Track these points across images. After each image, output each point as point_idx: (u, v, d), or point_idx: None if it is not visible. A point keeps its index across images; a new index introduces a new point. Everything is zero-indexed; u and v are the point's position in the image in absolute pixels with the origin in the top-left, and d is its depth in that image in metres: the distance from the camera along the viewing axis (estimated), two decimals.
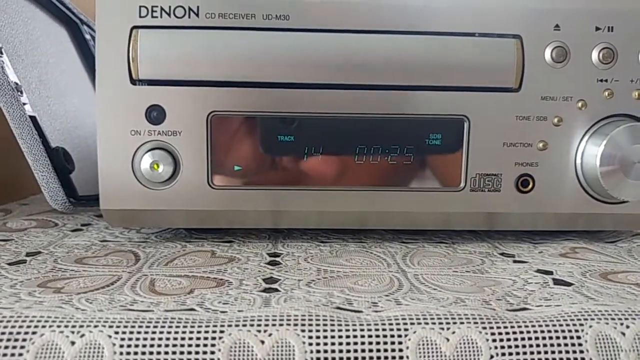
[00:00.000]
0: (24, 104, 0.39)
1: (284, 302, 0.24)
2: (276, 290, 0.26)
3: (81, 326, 0.22)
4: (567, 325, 0.22)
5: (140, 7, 0.32)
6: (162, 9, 0.32)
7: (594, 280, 0.28)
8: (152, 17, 0.32)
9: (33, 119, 0.39)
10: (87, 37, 0.57)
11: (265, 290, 0.26)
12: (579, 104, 0.33)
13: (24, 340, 0.22)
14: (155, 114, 0.32)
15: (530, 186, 0.34)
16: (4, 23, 0.42)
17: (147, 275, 0.29)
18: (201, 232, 0.38)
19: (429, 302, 0.25)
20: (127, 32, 0.32)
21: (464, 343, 0.22)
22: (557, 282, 0.27)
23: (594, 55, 0.33)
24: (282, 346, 0.22)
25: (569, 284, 0.27)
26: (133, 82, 0.32)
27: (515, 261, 0.32)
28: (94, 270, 0.30)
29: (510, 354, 0.22)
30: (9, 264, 0.30)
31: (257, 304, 0.24)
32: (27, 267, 0.30)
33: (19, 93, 0.40)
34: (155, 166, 0.32)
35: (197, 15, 0.32)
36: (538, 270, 0.30)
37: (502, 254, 0.34)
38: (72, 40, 0.57)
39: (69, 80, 0.51)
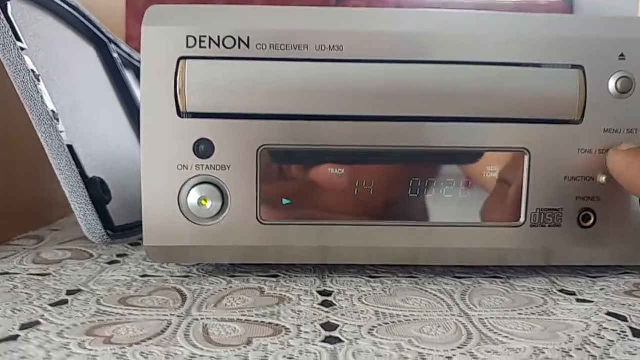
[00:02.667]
0: (61, 132, 0.38)
1: (352, 357, 0.23)
2: (339, 340, 0.25)
3: None
4: None
5: (188, 37, 0.31)
6: (210, 39, 0.31)
7: None
8: (201, 47, 0.31)
9: (70, 147, 0.38)
10: (115, 55, 0.56)
11: (327, 340, 0.25)
12: None
13: None
14: (203, 148, 0.31)
15: (592, 221, 0.33)
16: (39, 48, 0.41)
17: (197, 319, 0.28)
18: (244, 265, 0.37)
19: (506, 355, 0.23)
20: (175, 63, 0.31)
21: None
22: (636, 333, 0.26)
23: None
24: None
25: None
26: (180, 114, 0.31)
27: (578, 300, 0.31)
28: (141, 313, 0.28)
29: None
30: (52, 305, 0.29)
31: (325, 359, 0.23)
32: (70, 309, 0.28)
33: (56, 121, 0.39)
34: (204, 202, 0.31)
35: (248, 46, 0.31)
36: (609, 314, 0.29)
37: (561, 290, 0.33)
38: (101, 60, 0.56)
39: (99, 102, 0.50)
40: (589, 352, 0.24)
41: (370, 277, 0.35)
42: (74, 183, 0.36)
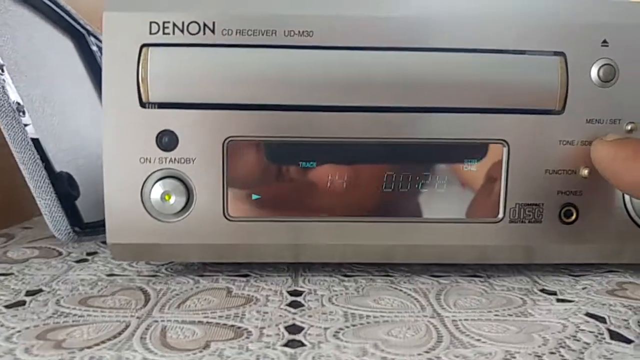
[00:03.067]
0: (26, 125, 0.37)
1: None
2: (301, 344, 0.24)
3: None
4: None
5: (150, 23, 0.29)
6: (174, 25, 0.29)
7: None
8: (164, 33, 0.29)
9: (35, 141, 0.36)
10: (94, 48, 0.55)
11: (289, 344, 0.24)
12: (629, 127, 0.31)
13: None
14: (166, 140, 0.30)
15: (574, 217, 0.31)
16: (6, 38, 0.40)
17: (157, 321, 0.26)
18: (215, 264, 0.35)
19: (475, 359, 0.22)
20: (137, 50, 0.29)
21: None
22: (614, 336, 0.24)
23: None
24: None
25: (629, 341, 0.24)
26: (143, 105, 0.30)
27: (559, 300, 0.29)
28: (100, 314, 0.27)
29: None
30: (7, 307, 0.28)
31: None
32: (26, 312, 0.27)
33: (21, 114, 0.37)
34: (167, 197, 0.30)
35: (213, 31, 0.29)
36: (588, 314, 0.27)
37: (542, 290, 0.31)
38: (78, 52, 0.54)
39: (74, 95, 0.49)
40: (562, 355, 0.22)
41: (345, 275, 0.34)
42: (39, 178, 0.35)
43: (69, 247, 0.40)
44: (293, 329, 0.25)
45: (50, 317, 0.27)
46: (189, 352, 0.23)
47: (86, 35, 0.54)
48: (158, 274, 0.34)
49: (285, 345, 0.23)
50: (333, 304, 0.29)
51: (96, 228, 0.39)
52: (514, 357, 0.22)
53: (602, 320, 0.26)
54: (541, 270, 0.35)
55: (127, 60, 0.29)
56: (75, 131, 0.45)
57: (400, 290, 0.31)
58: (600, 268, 0.35)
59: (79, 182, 0.39)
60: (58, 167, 0.37)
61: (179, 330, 0.25)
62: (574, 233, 0.31)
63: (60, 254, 0.38)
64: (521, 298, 0.30)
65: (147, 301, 0.29)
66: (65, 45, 0.52)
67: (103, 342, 0.24)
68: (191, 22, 0.29)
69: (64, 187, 0.36)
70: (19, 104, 0.37)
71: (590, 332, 0.25)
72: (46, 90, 0.43)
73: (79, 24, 0.53)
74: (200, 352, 0.23)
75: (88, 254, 0.38)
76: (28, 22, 0.44)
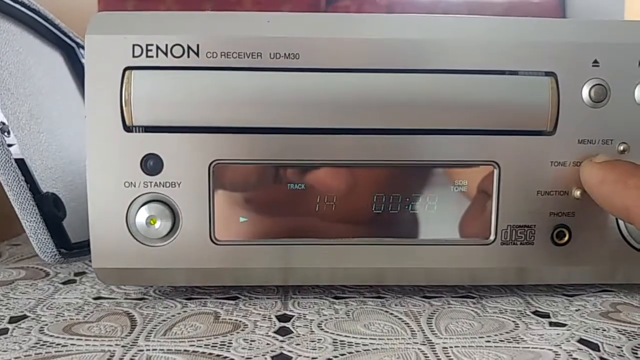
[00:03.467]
0: (10, 145, 0.36)
1: None
2: None
3: None
4: None
5: (134, 45, 0.29)
6: (158, 47, 0.29)
7: None
8: (147, 56, 0.29)
9: (20, 162, 0.36)
10: (84, 61, 0.54)
11: None
12: (621, 148, 0.30)
13: None
14: (151, 164, 0.29)
15: (567, 238, 0.31)
16: None
17: (142, 350, 0.26)
18: (203, 286, 0.35)
19: None
20: (120, 73, 0.29)
21: None
22: None
23: (637, 93, 0.30)
24: None
25: None
26: (127, 128, 0.29)
27: (552, 324, 0.29)
28: (84, 343, 0.27)
29: None
30: None
31: None
32: (7, 341, 0.27)
33: (6, 134, 0.37)
34: (153, 221, 0.29)
35: (197, 54, 0.29)
36: (581, 341, 0.27)
37: (535, 312, 0.31)
38: (68, 65, 0.54)
39: (63, 110, 0.48)
40: None
41: (336, 297, 0.33)
42: (23, 200, 0.34)
43: (56, 267, 0.39)
44: (280, 358, 0.25)
45: (33, 347, 0.26)
46: None
47: (76, 48, 0.54)
48: (146, 296, 0.33)
49: None
50: (322, 330, 0.28)
51: (84, 248, 0.38)
52: None
53: (595, 347, 0.26)
54: (534, 290, 0.34)
55: (110, 84, 0.29)
56: (63, 147, 0.45)
57: (392, 313, 0.31)
58: (594, 287, 0.35)
59: (66, 200, 0.38)
60: (44, 187, 0.37)
61: None
62: (566, 254, 0.31)
63: (47, 274, 0.38)
64: (514, 321, 0.29)
65: (133, 328, 0.29)
66: (54, 59, 0.52)
67: None
68: (175, 45, 0.29)
69: (50, 208, 0.35)
70: (3, 123, 0.37)
71: None
72: (33, 106, 0.43)
73: (68, 37, 0.53)
74: None
75: (76, 274, 0.38)
76: (15, 37, 0.44)
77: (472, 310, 0.31)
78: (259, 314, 0.30)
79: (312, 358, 0.25)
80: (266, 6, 1.95)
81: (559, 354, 0.25)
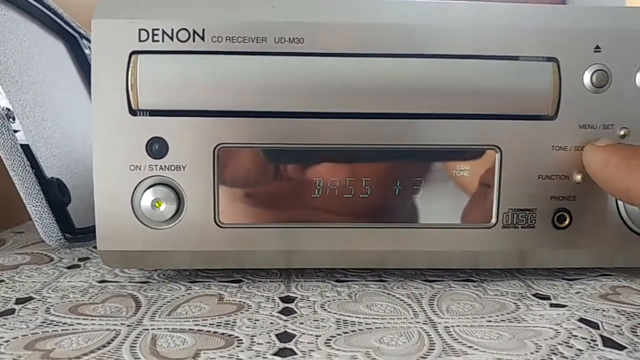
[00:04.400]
0: (16, 131, 0.36)
1: None
2: (292, 352, 0.23)
3: None
4: None
5: (140, 30, 0.29)
6: (163, 32, 0.29)
7: None
8: (153, 41, 0.29)
9: (26, 147, 0.36)
10: (87, 51, 0.55)
11: (279, 353, 0.23)
12: (622, 132, 0.30)
13: None
14: (156, 147, 0.30)
15: (567, 222, 0.31)
16: None
17: (148, 329, 0.26)
18: (207, 269, 0.35)
19: None
20: (126, 57, 0.29)
21: None
22: (606, 342, 0.24)
23: (638, 79, 0.30)
24: None
25: (621, 347, 0.24)
26: (132, 112, 0.29)
27: (552, 305, 0.29)
28: (90, 323, 0.27)
29: None
30: None
31: None
32: (14, 320, 0.27)
33: (11, 120, 0.37)
34: (157, 204, 0.30)
35: (203, 38, 0.29)
36: (581, 320, 0.27)
37: (536, 295, 0.31)
38: (71, 55, 0.54)
39: (66, 99, 0.49)
40: None
41: (338, 280, 0.33)
42: (29, 184, 0.35)
43: (60, 252, 0.39)
44: (284, 336, 0.25)
45: (40, 325, 0.26)
46: None
47: (79, 38, 0.54)
48: (150, 280, 0.34)
49: (276, 354, 0.23)
50: (325, 310, 0.29)
51: (88, 234, 0.39)
52: None
53: (595, 326, 0.26)
54: (535, 274, 0.35)
55: (116, 68, 0.29)
56: (67, 135, 0.45)
57: (394, 295, 0.31)
58: (594, 271, 0.35)
59: (71, 187, 0.39)
60: (49, 173, 0.37)
61: (169, 339, 0.25)
62: (567, 238, 0.31)
63: (51, 259, 0.38)
64: (514, 303, 0.30)
65: (138, 308, 0.29)
66: (58, 48, 0.52)
67: (92, 351, 0.24)
68: (181, 29, 0.29)
69: (55, 193, 0.36)
70: (8, 110, 0.37)
71: (583, 338, 0.25)
72: (38, 94, 0.43)
73: (71, 27, 0.53)
74: None
75: (80, 259, 0.38)
76: (19, 26, 0.44)
77: (474, 293, 0.31)
78: (263, 295, 0.31)
79: (316, 336, 0.25)
80: None
81: (560, 332, 0.26)
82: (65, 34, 0.52)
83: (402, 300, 0.30)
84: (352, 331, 0.26)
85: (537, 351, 0.24)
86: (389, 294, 0.31)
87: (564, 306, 0.29)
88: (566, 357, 0.23)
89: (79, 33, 0.54)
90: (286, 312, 0.28)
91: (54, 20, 0.49)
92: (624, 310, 0.28)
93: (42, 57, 0.47)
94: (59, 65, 0.51)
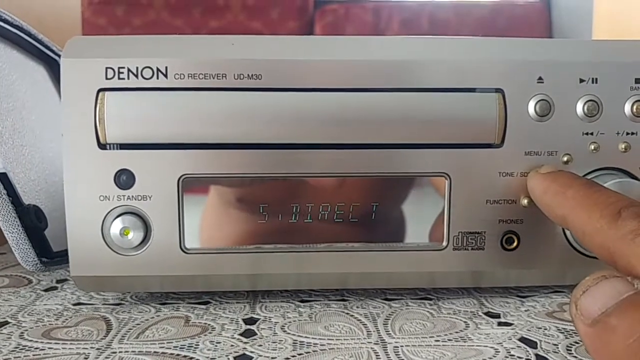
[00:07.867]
0: None
1: None
2: None
3: None
4: None
5: (106, 68, 0.31)
6: (129, 70, 0.31)
7: (579, 358, 0.27)
8: (119, 78, 0.31)
9: (3, 175, 0.38)
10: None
11: None
12: (565, 159, 0.32)
13: None
14: (124, 179, 0.31)
15: (516, 244, 0.33)
16: None
17: (115, 352, 0.28)
18: (177, 292, 0.37)
19: None
20: (94, 94, 0.31)
21: None
22: None
23: (579, 108, 0.32)
24: None
25: None
26: (101, 146, 0.31)
27: (500, 324, 0.31)
28: (61, 347, 0.28)
29: None
30: None
31: None
32: None
33: None
34: (126, 232, 0.31)
35: (166, 76, 0.31)
36: (522, 339, 0.29)
37: (487, 313, 0.33)
38: (51, 77, 0.55)
39: (47, 122, 0.50)
40: None
41: (302, 301, 0.35)
42: (6, 212, 0.36)
43: (39, 275, 0.41)
44: (242, 359, 0.27)
45: (12, 351, 0.28)
46: None
47: (59, 60, 0.56)
48: (123, 302, 0.35)
49: None
50: (285, 332, 0.30)
51: (65, 256, 0.40)
52: None
53: (533, 345, 0.28)
54: (491, 292, 0.36)
55: (85, 104, 0.31)
56: (47, 159, 0.47)
57: (352, 315, 0.33)
58: (547, 288, 0.37)
59: (49, 210, 0.40)
60: (26, 199, 0.38)
61: None
62: (516, 259, 0.33)
63: (30, 282, 0.39)
64: (465, 322, 0.32)
65: (108, 331, 0.30)
66: (38, 72, 0.54)
67: None
68: (145, 67, 0.31)
69: (32, 220, 0.37)
70: None
71: (519, 357, 0.27)
72: (17, 120, 0.44)
73: (51, 50, 0.54)
74: None
75: (58, 281, 0.40)
76: None
77: (428, 312, 0.33)
78: (227, 317, 0.32)
79: (272, 358, 0.27)
80: (254, 10, 1.97)
81: (499, 351, 0.27)
82: (45, 58, 0.54)
83: (359, 320, 0.32)
84: (307, 352, 0.28)
85: None
86: (347, 313, 0.33)
87: (510, 324, 0.31)
88: None
89: (59, 56, 0.55)
90: (247, 334, 0.30)
91: (34, 45, 0.51)
92: (564, 329, 0.30)
93: (22, 83, 0.48)
94: (40, 88, 0.52)
